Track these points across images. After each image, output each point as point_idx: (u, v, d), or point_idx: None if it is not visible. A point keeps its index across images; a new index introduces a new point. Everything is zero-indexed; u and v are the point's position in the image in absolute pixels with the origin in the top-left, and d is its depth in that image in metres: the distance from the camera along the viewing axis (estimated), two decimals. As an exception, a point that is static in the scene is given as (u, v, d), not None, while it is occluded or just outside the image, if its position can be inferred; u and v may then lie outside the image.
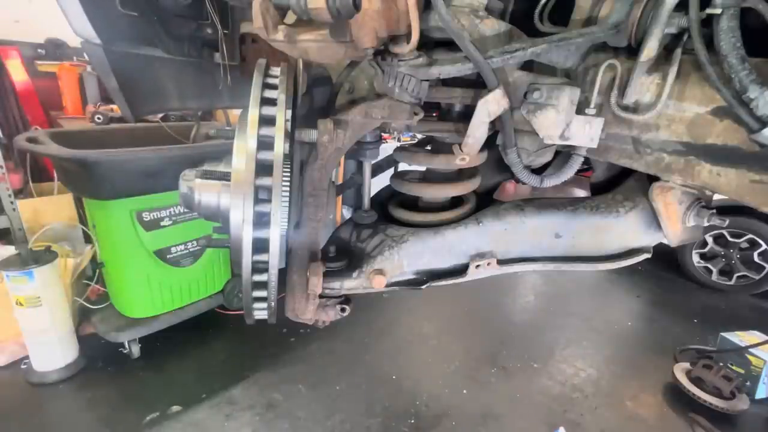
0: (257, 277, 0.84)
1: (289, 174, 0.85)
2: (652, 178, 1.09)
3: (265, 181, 0.79)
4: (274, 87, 0.85)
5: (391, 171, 1.42)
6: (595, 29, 0.84)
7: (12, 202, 2.17)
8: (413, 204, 1.29)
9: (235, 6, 1.66)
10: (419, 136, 1.37)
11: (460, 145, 0.99)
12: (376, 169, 1.42)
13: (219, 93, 1.90)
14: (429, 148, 1.29)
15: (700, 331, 3.07)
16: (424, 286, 1.15)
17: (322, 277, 0.98)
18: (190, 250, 2.50)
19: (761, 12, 0.69)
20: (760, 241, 3.37)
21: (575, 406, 2.29)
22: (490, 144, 1.06)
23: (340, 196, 1.35)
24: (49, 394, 2.20)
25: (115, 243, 2.27)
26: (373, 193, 1.27)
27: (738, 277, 3.55)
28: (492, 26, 0.89)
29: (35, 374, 2.26)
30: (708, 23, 0.73)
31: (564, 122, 0.91)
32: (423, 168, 1.25)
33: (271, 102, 0.83)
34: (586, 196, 1.26)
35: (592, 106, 0.90)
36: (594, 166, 1.29)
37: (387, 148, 1.44)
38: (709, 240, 3.61)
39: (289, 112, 0.83)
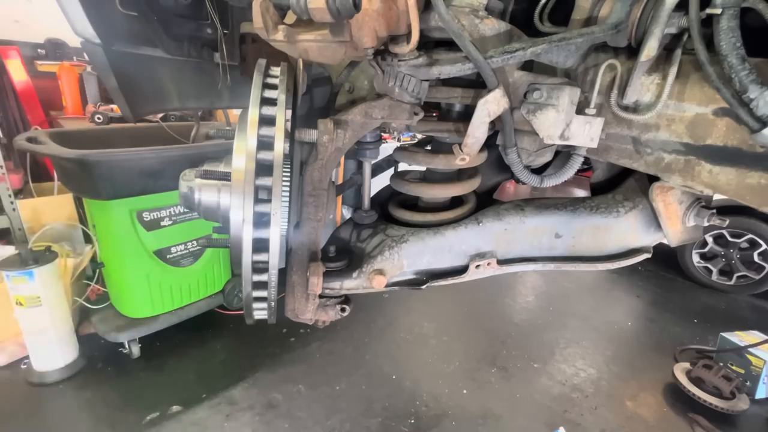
0: (257, 277, 0.84)
1: (289, 174, 0.85)
2: (652, 178, 1.09)
3: (265, 181, 0.79)
4: (274, 87, 0.85)
5: (391, 171, 1.42)
6: (595, 29, 0.84)
7: (12, 202, 2.18)
8: (413, 204, 1.29)
9: (235, 6, 1.66)
10: (419, 136, 1.37)
11: (460, 145, 0.99)
12: (376, 169, 1.42)
13: (219, 93, 1.91)
14: (429, 148, 1.29)
15: (700, 331, 3.07)
16: (424, 286, 1.15)
17: (322, 277, 0.98)
18: (190, 250, 2.50)
19: (761, 12, 0.69)
20: (760, 241, 3.37)
21: (575, 406, 2.29)
22: (490, 144, 1.06)
23: (340, 196, 1.35)
24: (49, 394, 2.20)
25: (115, 243, 2.27)
26: (373, 193, 1.27)
27: (738, 277, 3.55)
28: (492, 26, 0.89)
29: (35, 374, 2.26)
30: (708, 23, 0.73)
31: (564, 122, 0.91)
32: (423, 168, 1.25)
33: (271, 102, 0.83)
34: (586, 196, 1.26)
35: (592, 106, 0.90)
36: (594, 166, 1.29)
37: (387, 148, 1.44)
38: (709, 240, 3.61)
39: (289, 112, 0.83)
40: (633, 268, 3.87)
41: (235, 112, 3.25)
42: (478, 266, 1.14)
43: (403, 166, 1.35)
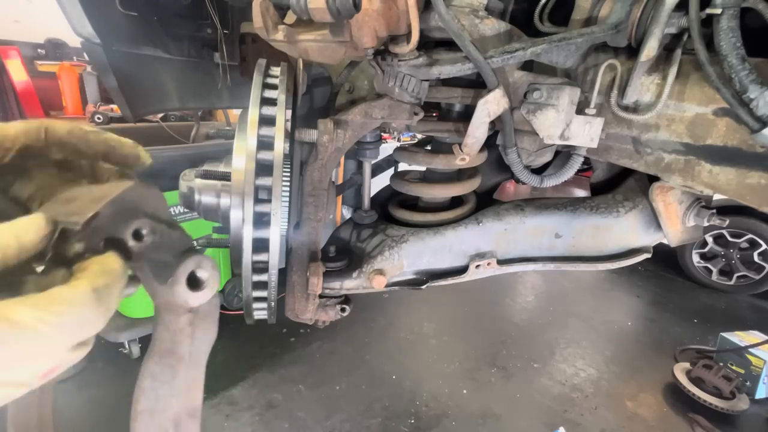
0: (257, 277, 0.84)
1: (289, 174, 0.85)
2: (652, 178, 1.09)
3: (265, 181, 0.79)
4: (274, 87, 0.85)
5: (391, 171, 1.42)
6: (595, 29, 0.84)
7: (12, 202, 2.17)
8: (413, 204, 1.29)
9: (235, 6, 1.66)
10: (419, 136, 1.37)
11: (460, 145, 0.99)
12: (376, 169, 1.41)
13: (219, 93, 1.90)
14: (429, 148, 1.29)
15: (700, 331, 3.07)
16: (424, 286, 1.15)
17: (322, 277, 0.98)
18: (190, 250, 2.50)
19: (761, 12, 0.69)
20: (760, 241, 3.38)
21: (575, 406, 2.29)
22: (490, 144, 1.06)
23: (340, 196, 1.35)
24: (49, 394, 2.20)
25: (115, 243, 2.27)
26: (373, 193, 1.27)
27: (738, 277, 3.55)
28: (492, 26, 0.89)
29: (35, 374, 2.26)
30: (708, 23, 0.73)
31: (564, 122, 0.91)
32: (423, 168, 1.25)
33: (271, 102, 0.83)
34: (586, 196, 1.26)
35: (592, 106, 0.90)
36: (594, 166, 1.29)
37: (387, 148, 1.44)
38: (709, 240, 3.61)
39: (289, 112, 0.83)
40: (633, 268, 3.88)
41: (235, 112, 3.25)
42: (478, 266, 1.14)
43: (403, 166, 1.35)
